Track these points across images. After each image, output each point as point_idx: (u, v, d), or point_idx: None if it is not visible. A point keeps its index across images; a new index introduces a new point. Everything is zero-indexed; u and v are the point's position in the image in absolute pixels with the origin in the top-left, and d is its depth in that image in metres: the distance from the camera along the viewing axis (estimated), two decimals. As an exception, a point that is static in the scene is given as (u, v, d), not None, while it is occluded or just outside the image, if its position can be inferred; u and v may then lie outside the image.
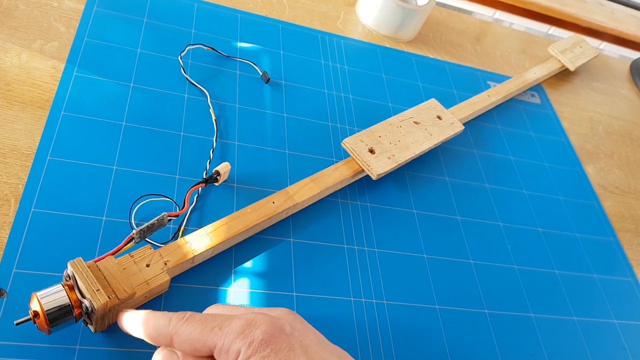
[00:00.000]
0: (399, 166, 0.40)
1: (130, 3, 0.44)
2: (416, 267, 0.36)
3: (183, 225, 0.32)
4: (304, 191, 0.35)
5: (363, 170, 0.38)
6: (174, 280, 0.30)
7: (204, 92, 0.40)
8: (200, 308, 0.26)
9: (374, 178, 0.38)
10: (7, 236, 0.29)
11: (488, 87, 0.54)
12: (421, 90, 0.50)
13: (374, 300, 0.34)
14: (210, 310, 0.25)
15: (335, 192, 0.38)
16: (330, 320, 0.32)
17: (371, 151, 0.39)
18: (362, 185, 0.40)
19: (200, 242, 0.30)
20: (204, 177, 0.34)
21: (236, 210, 0.33)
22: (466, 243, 0.40)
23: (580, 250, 0.44)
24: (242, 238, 0.33)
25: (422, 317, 0.34)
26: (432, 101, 0.45)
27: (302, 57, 0.47)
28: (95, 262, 0.27)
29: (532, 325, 0.37)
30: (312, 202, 0.37)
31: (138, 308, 0.28)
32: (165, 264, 0.29)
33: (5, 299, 0.27)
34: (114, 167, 0.34)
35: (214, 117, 0.39)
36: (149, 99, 0.38)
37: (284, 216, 0.35)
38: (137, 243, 0.29)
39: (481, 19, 0.65)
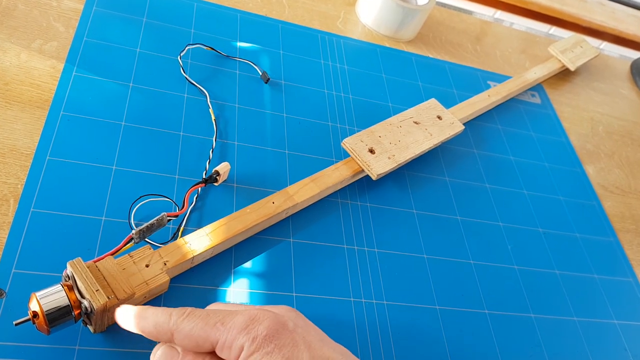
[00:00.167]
0: (399, 166, 0.40)
1: (129, 3, 0.44)
2: (416, 268, 0.36)
3: (182, 226, 0.32)
4: (304, 191, 0.35)
5: (363, 170, 0.38)
6: (173, 280, 0.30)
7: (204, 92, 0.40)
8: (200, 308, 0.26)
9: (374, 178, 0.38)
10: (6, 236, 0.28)
11: (488, 87, 0.54)
12: (421, 90, 0.50)
13: (374, 301, 0.34)
14: (211, 307, 0.25)
15: (335, 192, 0.38)
16: (330, 321, 0.32)
17: (371, 151, 0.38)
18: (362, 185, 0.40)
19: (199, 242, 0.30)
20: (204, 177, 0.34)
21: (236, 211, 0.33)
22: (466, 243, 0.39)
23: (581, 251, 0.44)
24: (241, 238, 0.33)
25: (422, 318, 0.34)
26: (432, 101, 0.45)
27: (301, 57, 0.47)
28: (95, 262, 0.27)
29: (532, 326, 0.37)
30: (311, 202, 0.37)
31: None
32: (165, 264, 0.28)
33: (4, 299, 0.26)
34: (114, 167, 0.33)
35: (213, 117, 0.39)
36: (148, 99, 0.38)
37: (283, 216, 0.35)
38: (136, 243, 0.29)
39: (481, 18, 0.65)
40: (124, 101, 0.37)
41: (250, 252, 0.33)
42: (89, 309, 0.25)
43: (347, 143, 0.38)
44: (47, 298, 0.24)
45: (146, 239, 0.31)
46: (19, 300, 0.27)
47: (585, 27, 0.74)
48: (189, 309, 0.22)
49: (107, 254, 0.28)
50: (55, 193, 0.31)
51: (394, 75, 0.50)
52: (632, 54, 0.78)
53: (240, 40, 0.46)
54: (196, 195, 0.34)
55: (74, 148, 0.33)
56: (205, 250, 0.30)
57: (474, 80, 0.54)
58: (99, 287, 0.25)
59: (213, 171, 0.34)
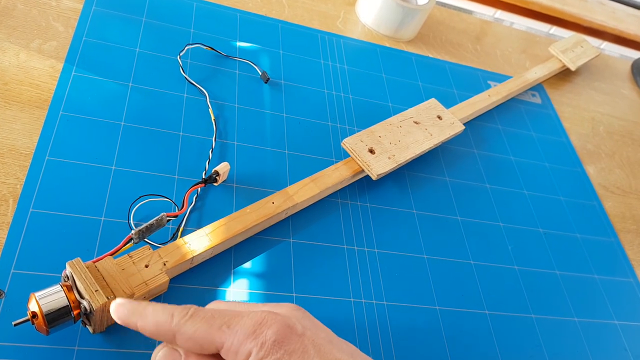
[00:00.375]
0: (399, 166, 0.39)
1: (129, 2, 0.44)
2: (416, 268, 0.36)
3: (182, 226, 0.32)
4: (304, 191, 0.35)
5: (363, 171, 0.38)
6: (173, 280, 0.30)
7: (203, 92, 0.40)
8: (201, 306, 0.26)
9: (374, 178, 0.37)
10: (6, 236, 0.28)
11: (488, 86, 0.54)
12: (421, 90, 0.50)
13: (374, 301, 0.34)
14: (212, 306, 0.24)
15: (335, 193, 0.38)
16: (330, 321, 0.32)
17: (371, 151, 0.38)
18: (362, 185, 0.40)
19: (199, 242, 0.30)
20: (203, 177, 0.34)
21: (235, 211, 0.33)
22: (466, 243, 0.39)
23: (581, 251, 0.43)
24: (241, 238, 0.33)
25: (423, 318, 0.34)
26: (432, 101, 0.45)
27: (301, 57, 0.47)
28: (94, 262, 0.27)
29: (532, 326, 0.37)
30: (311, 203, 0.36)
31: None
32: (164, 264, 0.28)
33: (3, 299, 0.26)
34: (113, 167, 0.33)
35: (213, 117, 0.39)
36: (147, 99, 0.38)
37: (283, 216, 0.35)
38: (135, 243, 0.29)
39: (482, 18, 0.65)
40: (123, 101, 0.37)
41: (250, 253, 0.33)
42: (88, 310, 0.25)
43: (347, 143, 0.38)
44: (46, 298, 0.24)
45: (145, 239, 0.31)
46: (18, 300, 0.26)
47: (585, 26, 0.74)
48: (192, 308, 0.22)
49: (106, 254, 0.28)
50: (55, 193, 0.31)
51: (394, 75, 0.50)
52: (633, 54, 0.78)
53: (240, 40, 0.46)
54: (196, 195, 0.34)
55: (73, 148, 0.33)
56: (205, 251, 0.30)
57: (474, 80, 0.54)
58: (98, 288, 0.25)
59: (213, 171, 0.34)
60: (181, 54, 0.42)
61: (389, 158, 0.39)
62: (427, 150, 0.41)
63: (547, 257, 0.42)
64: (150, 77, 0.39)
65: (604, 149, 0.55)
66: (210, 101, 0.40)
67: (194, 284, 0.31)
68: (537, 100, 0.56)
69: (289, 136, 0.40)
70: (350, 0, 0.56)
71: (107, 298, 0.25)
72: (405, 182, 0.41)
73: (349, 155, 0.39)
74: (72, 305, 0.25)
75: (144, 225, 0.29)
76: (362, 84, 0.47)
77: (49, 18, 0.40)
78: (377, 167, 0.38)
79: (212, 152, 0.37)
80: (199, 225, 0.33)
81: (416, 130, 0.42)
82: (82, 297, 0.25)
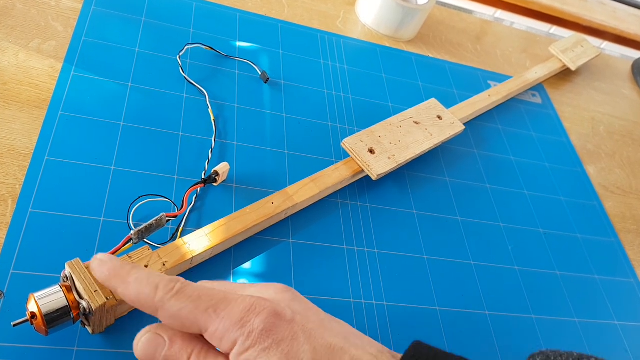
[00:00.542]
0: (399, 166, 0.39)
1: (128, 2, 0.44)
2: (416, 268, 0.36)
3: (181, 226, 0.32)
4: (304, 191, 0.35)
5: (363, 171, 0.38)
6: (172, 281, 0.30)
7: (203, 92, 0.40)
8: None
9: (373, 178, 0.37)
10: (5, 237, 0.28)
11: (489, 86, 0.54)
12: (421, 90, 0.50)
13: (374, 302, 0.33)
14: (201, 284, 0.23)
15: (335, 193, 0.38)
16: (330, 322, 0.32)
17: (371, 151, 0.38)
18: (362, 185, 0.40)
19: (198, 242, 0.30)
20: (203, 177, 0.34)
21: (235, 211, 0.33)
22: (467, 244, 0.39)
23: (582, 251, 0.43)
24: (241, 239, 0.33)
25: (423, 319, 0.34)
26: (433, 101, 0.45)
27: (301, 57, 0.47)
28: (93, 263, 0.27)
29: (533, 327, 0.37)
30: (311, 203, 0.36)
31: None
32: (164, 264, 0.28)
33: (2, 300, 0.26)
34: (112, 168, 0.33)
35: (212, 117, 0.39)
36: (147, 99, 0.38)
37: (283, 217, 0.35)
38: (135, 244, 0.29)
39: (482, 18, 0.65)
40: (122, 101, 0.37)
41: (250, 253, 0.33)
42: (88, 310, 0.25)
43: (347, 143, 0.38)
44: (45, 299, 0.24)
45: (145, 240, 0.31)
46: (17, 301, 0.26)
47: (586, 26, 0.73)
48: (179, 283, 0.20)
49: (105, 254, 0.28)
50: (54, 193, 0.31)
51: (394, 75, 0.50)
52: (634, 54, 0.77)
53: (240, 40, 0.46)
54: (195, 195, 0.34)
55: (73, 148, 0.33)
56: (205, 251, 0.30)
57: (474, 80, 0.54)
58: (98, 288, 0.25)
59: (212, 171, 0.34)
60: (181, 54, 0.41)
61: (389, 158, 0.38)
62: (427, 150, 0.41)
63: (547, 258, 0.42)
64: (149, 77, 0.39)
65: (604, 149, 0.55)
66: (209, 101, 0.40)
67: (194, 284, 0.30)
68: (538, 100, 0.56)
69: (288, 136, 0.40)
70: (350, 0, 0.56)
71: (107, 299, 0.25)
72: (405, 182, 0.41)
73: (348, 155, 0.39)
74: (71, 305, 0.25)
75: (144, 225, 0.29)
76: (362, 84, 0.47)
77: (48, 18, 0.40)
78: (377, 167, 0.37)
79: (211, 152, 0.37)
80: (199, 226, 0.33)
81: (416, 130, 0.42)
82: (81, 297, 0.25)
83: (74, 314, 0.25)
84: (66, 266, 0.26)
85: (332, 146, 0.41)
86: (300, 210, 0.36)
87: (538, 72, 0.56)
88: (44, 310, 0.24)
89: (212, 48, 0.43)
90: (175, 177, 0.35)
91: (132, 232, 0.28)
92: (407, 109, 0.43)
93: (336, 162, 0.39)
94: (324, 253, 0.35)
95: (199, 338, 0.21)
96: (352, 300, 0.33)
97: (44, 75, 0.36)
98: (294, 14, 0.51)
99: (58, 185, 0.31)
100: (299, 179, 0.36)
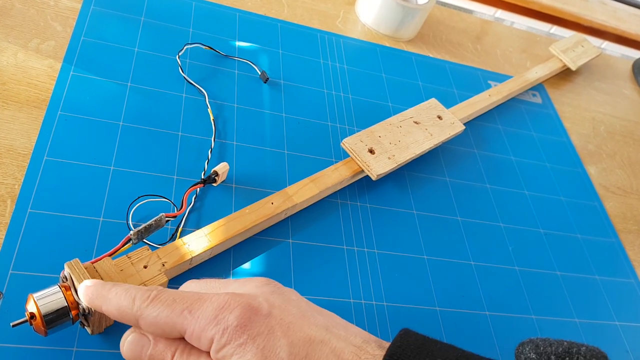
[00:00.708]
0: (399, 166, 0.39)
1: (127, 2, 0.44)
2: (416, 269, 0.36)
3: (181, 226, 0.32)
4: (303, 192, 0.35)
5: (363, 171, 0.38)
6: (171, 281, 0.30)
7: (202, 92, 0.40)
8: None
9: (373, 178, 0.37)
10: (4, 237, 0.28)
11: (489, 86, 0.54)
12: (421, 90, 0.50)
13: (374, 302, 0.33)
14: (186, 287, 0.23)
15: (335, 193, 0.38)
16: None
17: (371, 151, 0.38)
18: (362, 185, 0.39)
19: (198, 243, 0.30)
20: (202, 177, 0.34)
21: (235, 211, 0.33)
22: (467, 244, 0.39)
23: (582, 252, 0.43)
24: (240, 239, 0.33)
25: (423, 319, 0.34)
26: (433, 101, 0.45)
27: (301, 57, 0.47)
28: (93, 263, 0.27)
29: (533, 327, 0.37)
30: (311, 203, 0.36)
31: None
32: (163, 265, 0.28)
33: (1, 300, 0.26)
34: (111, 168, 0.33)
35: (212, 117, 0.38)
36: (146, 99, 0.38)
37: (282, 217, 0.35)
38: (134, 244, 0.29)
39: (482, 18, 0.65)
40: (121, 101, 0.37)
41: (249, 253, 0.33)
42: (87, 310, 0.25)
43: (347, 143, 0.38)
44: (44, 299, 0.24)
45: (144, 240, 0.31)
46: (16, 301, 0.26)
47: (586, 26, 0.73)
48: (155, 290, 0.21)
49: (105, 254, 0.28)
50: (53, 193, 0.31)
51: (394, 75, 0.50)
52: (634, 54, 0.77)
53: (239, 40, 0.46)
54: (195, 195, 0.34)
55: (72, 148, 0.33)
56: (204, 251, 0.30)
57: (474, 80, 0.54)
58: (96, 289, 0.25)
59: (212, 171, 0.34)
60: (180, 54, 0.41)
61: (389, 158, 0.38)
62: (427, 151, 0.41)
63: (547, 258, 0.41)
64: (149, 77, 0.39)
65: (604, 149, 0.55)
66: (209, 101, 0.39)
67: (193, 284, 0.30)
68: (538, 100, 0.56)
69: (288, 136, 0.40)
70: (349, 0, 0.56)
71: (105, 299, 0.25)
72: (405, 183, 0.41)
73: (348, 156, 0.39)
74: (70, 306, 0.25)
75: (143, 225, 0.29)
76: (362, 83, 0.47)
77: (47, 17, 0.40)
78: (377, 167, 0.37)
79: (211, 152, 0.37)
80: (198, 226, 0.33)
81: (416, 130, 0.42)
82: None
83: (73, 314, 0.25)
84: (65, 266, 0.26)
85: (332, 146, 0.41)
86: (300, 211, 0.36)
87: (538, 72, 0.56)
88: (43, 310, 0.24)
89: (211, 48, 0.43)
90: (175, 177, 0.35)
91: (131, 232, 0.28)
92: (407, 109, 0.43)
93: (336, 162, 0.39)
94: (324, 253, 0.35)
95: (183, 340, 0.21)
96: (351, 300, 0.33)
97: (43, 75, 0.36)
98: (293, 14, 0.51)
99: (57, 185, 0.31)
100: (299, 179, 0.36)
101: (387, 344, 0.21)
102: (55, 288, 0.25)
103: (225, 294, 0.21)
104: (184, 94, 0.40)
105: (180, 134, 0.37)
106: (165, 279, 0.28)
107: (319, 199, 0.37)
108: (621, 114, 0.61)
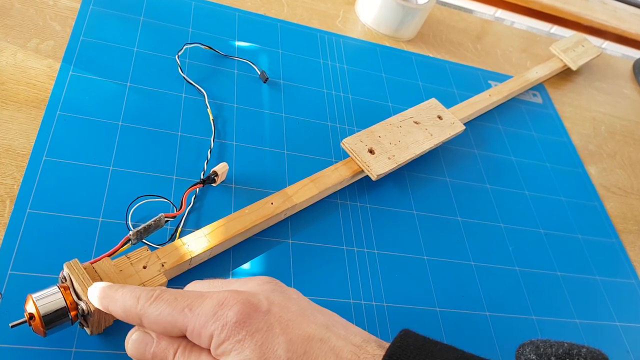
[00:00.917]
0: (399, 166, 0.39)
1: (126, 1, 0.44)
2: (416, 269, 0.36)
3: (180, 227, 0.32)
4: (303, 192, 0.35)
5: (363, 171, 0.38)
6: (171, 282, 0.30)
7: (202, 92, 0.40)
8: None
9: (373, 179, 0.37)
10: (2, 237, 0.28)
11: (489, 86, 0.54)
12: (421, 90, 0.50)
13: (374, 303, 0.33)
14: (190, 287, 0.24)
15: (335, 193, 0.38)
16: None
17: (371, 151, 0.38)
18: (362, 186, 0.39)
19: (197, 243, 0.30)
20: (202, 177, 0.34)
21: (234, 212, 0.33)
22: (467, 244, 0.39)
23: (583, 252, 0.43)
24: (240, 239, 0.33)
25: (423, 320, 0.34)
26: (433, 101, 0.45)
27: (300, 56, 0.47)
28: (92, 263, 0.27)
29: (533, 328, 0.36)
30: (311, 203, 0.36)
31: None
32: (163, 265, 0.28)
33: (0, 300, 0.26)
34: (111, 168, 0.33)
35: (211, 117, 0.38)
36: (145, 99, 0.38)
37: (282, 217, 0.34)
38: (133, 244, 0.29)
39: (482, 17, 0.65)
40: (121, 101, 0.37)
41: (249, 254, 0.33)
42: (86, 311, 0.25)
43: (347, 143, 0.38)
44: (43, 300, 0.24)
45: (144, 240, 0.31)
46: (15, 302, 0.26)
47: (587, 26, 0.73)
48: (158, 290, 0.21)
49: (104, 255, 0.28)
50: (52, 194, 0.31)
51: (394, 75, 0.50)
52: (635, 54, 0.77)
53: (239, 40, 0.45)
54: (194, 196, 0.34)
55: (71, 148, 0.33)
56: (203, 252, 0.30)
57: (474, 80, 0.54)
58: (95, 289, 0.25)
59: (211, 172, 0.34)
60: (179, 54, 0.41)
61: (389, 158, 0.38)
62: (427, 151, 0.41)
63: (548, 258, 0.41)
64: (148, 77, 0.39)
65: (605, 149, 0.55)
66: (208, 101, 0.39)
67: (192, 285, 0.30)
68: (538, 100, 0.56)
69: (288, 136, 0.40)
70: (350, -1, 0.56)
71: (105, 300, 0.25)
72: (405, 183, 0.41)
73: (348, 156, 0.39)
74: (69, 306, 0.24)
75: (142, 226, 0.29)
76: (361, 83, 0.47)
77: (46, 17, 0.40)
78: (377, 167, 0.37)
79: (210, 152, 0.36)
80: (198, 226, 0.32)
81: (416, 130, 0.41)
82: (79, 298, 0.25)
83: (72, 315, 0.25)
84: (64, 267, 0.25)
85: (332, 146, 0.41)
86: (299, 211, 0.36)
87: (539, 72, 0.56)
88: (42, 311, 0.24)
89: (211, 48, 0.43)
90: (174, 177, 0.34)
91: (130, 232, 0.28)
92: (407, 109, 0.43)
93: (336, 162, 0.39)
94: (324, 254, 0.34)
95: (186, 338, 0.21)
96: (351, 301, 0.33)
97: (42, 75, 0.36)
98: (293, 14, 0.51)
99: (56, 185, 0.31)
100: (299, 179, 0.36)
101: (387, 344, 0.21)
102: (54, 288, 0.25)
103: (225, 292, 0.21)
104: (184, 94, 0.39)
105: (179, 134, 0.37)
106: (164, 280, 0.28)
107: (318, 199, 0.37)
108: (622, 114, 0.61)
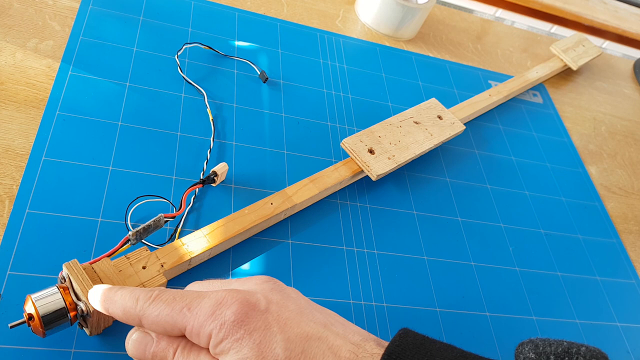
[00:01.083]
0: (399, 167, 0.39)
1: (126, 1, 0.43)
2: (416, 269, 0.36)
3: (180, 227, 0.32)
4: (303, 192, 0.35)
5: (362, 171, 0.38)
6: (170, 282, 0.30)
7: (201, 92, 0.40)
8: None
9: (373, 179, 0.37)
10: (2, 238, 0.28)
11: (489, 86, 0.54)
12: (421, 90, 0.50)
13: (374, 303, 0.33)
14: (190, 287, 0.24)
15: (335, 193, 0.38)
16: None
17: (371, 151, 0.38)
18: (362, 186, 0.39)
19: (197, 243, 0.30)
20: (201, 177, 0.34)
21: (234, 212, 0.33)
22: (467, 245, 0.39)
23: (583, 252, 0.43)
24: (239, 240, 0.33)
25: (423, 320, 0.34)
26: (433, 101, 0.45)
27: (300, 56, 0.47)
28: (91, 264, 0.27)
29: (534, 328, 0.36)
30: (310, 203, 0.36)
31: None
32: (162, 265, 0.28)
33: (-1, 301, 0.26)
34: (110, 168, 0.33)
35: (211, 117, 0.38)
36: (145, 99, 0.38)
37: (282, 217, 0.34)
38: (133, 245, 0.29)
39: (482, 17, 0.65)
40: (120, 101, 0.37)
41: (249, 254, 0.33)
42: (85, 312, 0.25)
43: (347, 143, 0.38)
44: (42, 300, 0.24)
45: (143, 241, 0.31)
46: (15, 302, 0.26)
47: (587, 25, 0.73)
48: (157, 290, 0.21)
49: (103, 255, 0.27)
50: (51, 194, 0.31)
51: (394, 75, 0.50)
52: (635, 53, 0.77)
53: (239, 39, 0.45)
54: (194, 196, 0.34)
55: (70, 148, 0.33)
56: (203, 252, 0.30)
57: (474, 80, 0.54)
58: (94, 290, 0.25)
59: (211, 172, 0.34)
60: (179, 53, 0.41)
61: (389, 158, 0.38)
62: (427, 151, 0.41)
63: (548, 258, 0.41)
64: (147, 77, 0.39)
65: (605, 149, 0.55)
66: (208, 101, 0.39)
67: (192, 285, 0.30)
68: (539, 100, 0.56)
69: (287, 136, 0.40)
70: (350, -1, 0.56)
71: (104, 300, 0.25)
72: (405, 183, 0.41)
73: (348, 156, 0.38)
74: (68, 307, 0.24)
75: (142, 226, 0.28)
76: (361, 83, 0.47)
77: (46, 17, 0.39)
78: (377, 167, 0.37)
79: (210, 152, 0.36)
80: (197, 227, 0.32)
81: (416, 130, 0.41)
82: (78, 299, 0.25)
83: (71, 315, 0.25)
84: (64, 267, 0.25)
85: (332, 146, 0.41)
86: (299, 211, 0.36)
87: (539, 72, 0.56)
88: (42, 311, 0.24)
89: (210, 47, 0.43)
90: (174, 177, 0.34)
91: (130, 233, 0.28)
92: (407, 109, 0.43)
93: (336, 162, 0.38)
94: (324, 254, 0.34)
95: (185, 338, 0.21)
96: (351, 301, 0.33)
97: (41, 74, 0.36)
98: (293, 13, 0.51)
99: (55, 185, 0.31)
100: (298, 179, 0.36)
101: (386, 343, 0.21)
102: (54, 289, 0.25)
103: (223, 291, 0.21)
104: (183, 94, 0.39)
105: (179, 134, 0.37)
106: (164, 280, 0.28)
107: (318, 199, 0.37)
108: (622, 114, 0.61)
